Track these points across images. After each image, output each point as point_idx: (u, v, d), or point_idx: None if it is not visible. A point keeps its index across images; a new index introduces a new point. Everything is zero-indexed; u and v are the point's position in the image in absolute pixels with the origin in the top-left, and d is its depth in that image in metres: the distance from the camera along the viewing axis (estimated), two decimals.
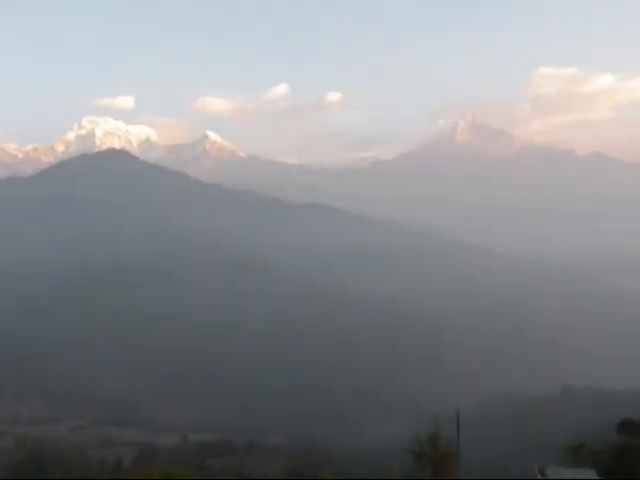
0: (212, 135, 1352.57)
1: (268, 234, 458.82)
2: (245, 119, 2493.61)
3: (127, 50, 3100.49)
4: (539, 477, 52.67)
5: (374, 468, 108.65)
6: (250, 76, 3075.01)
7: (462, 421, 51.00)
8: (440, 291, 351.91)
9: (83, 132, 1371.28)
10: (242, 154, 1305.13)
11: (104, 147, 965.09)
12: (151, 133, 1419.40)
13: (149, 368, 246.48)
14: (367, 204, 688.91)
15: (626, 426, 68.06)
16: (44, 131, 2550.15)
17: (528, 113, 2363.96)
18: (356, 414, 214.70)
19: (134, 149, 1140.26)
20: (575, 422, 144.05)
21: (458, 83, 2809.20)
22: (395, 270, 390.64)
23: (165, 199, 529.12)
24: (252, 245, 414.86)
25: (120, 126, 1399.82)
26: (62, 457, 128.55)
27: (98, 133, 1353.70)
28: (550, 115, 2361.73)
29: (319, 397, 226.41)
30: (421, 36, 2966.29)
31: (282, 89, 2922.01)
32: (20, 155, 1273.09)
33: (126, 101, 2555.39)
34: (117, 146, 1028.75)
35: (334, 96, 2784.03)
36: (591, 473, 53.60)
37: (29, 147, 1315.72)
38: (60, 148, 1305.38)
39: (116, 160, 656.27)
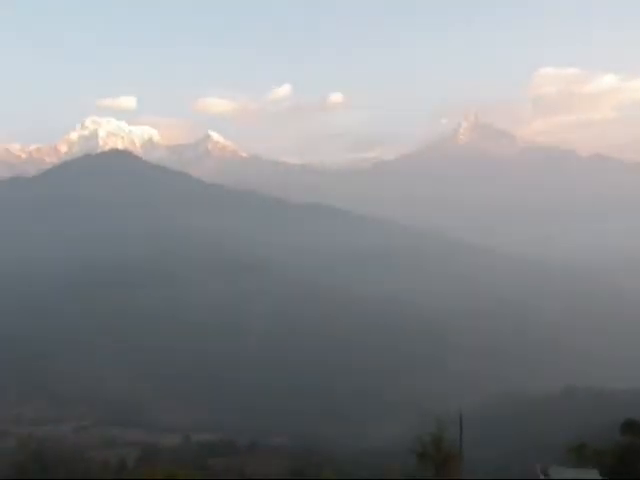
0: (214, 135, 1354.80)
1: (270, 234, 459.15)
2: (247, 119, 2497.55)
3: (130, 50, 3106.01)
4: (542, 477, 52.73)
5: (376, 468, 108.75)
6: (253, 76, 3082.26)
7: (465, 421, 51.06)
8: (442, 291, 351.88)
9: (86, 132, 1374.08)
10: (244, 154, 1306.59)
11: (107, 147, 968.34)
12: (154, 133, 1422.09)
13: (152, 368, 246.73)
14: (369, 204, 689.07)
15: (629, 426, 68.01)
16: (47, 131, 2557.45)
17: (530, 113, 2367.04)
18: (358, 414, 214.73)
19: (137, 149, 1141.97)
20: (577, 422, 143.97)
21: (460, 83, 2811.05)
22: (397, 270, 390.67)
23: (167, 199, 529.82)
24: (254, 245, 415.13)
25: (123, 126, 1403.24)
26: (65, 457, 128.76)
27: (101, 133, 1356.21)
28: (552, 115, 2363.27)
29: (321, 397, 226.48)
30: (423, 36, 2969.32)
31: (284, 89, 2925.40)
32: (23, 155, 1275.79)
33: (128, 101, 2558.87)
34: (120, 146, 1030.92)
35: (336, 97, 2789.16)
36: (594, 473, 53.56)
37: (32, 147, 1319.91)
38: (63, 148, 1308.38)
39: (119, 160, 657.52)
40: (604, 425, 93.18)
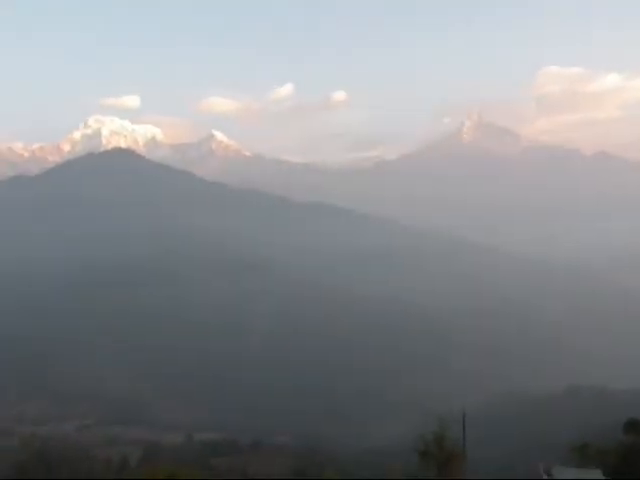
0: (218, 134, 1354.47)
1: (273, 234, 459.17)
2: (250, 119, 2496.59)
3: (133, 50, 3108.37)
4: (545, 477, 52.61)
5: (378, 468, 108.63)
6: (255, 76, 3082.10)
7: (467, 420, 50.96)
8: (445, 291, 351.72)
9: (89, 131, 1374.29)
10: (247, 153, 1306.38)
11: (110, 146, 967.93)
12: (157, 132, 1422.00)
13: (154, 367, 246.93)
14: (372, 204, 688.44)
15: (632, 426, 67.79)
16: (50, 130, 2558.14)
17: (533, 112, 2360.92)
18: (361, 414, 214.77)
19: (140, 148, 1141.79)
20: (580, 421, 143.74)
21: (463, 83, 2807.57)
22: (399, 270, 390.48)
23: (170, 198, 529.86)
24: (257, 245, 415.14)
25: (126, 125, 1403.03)
26: (68, 456, 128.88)
27: (104, 132, 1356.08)
28: (556, 114, 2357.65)
29: (324, 397, 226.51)
30: (425, 36, 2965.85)
31: (287, 89, 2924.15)
32: (26, 154, 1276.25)
33: (132, 100, 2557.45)
34: (123, 145, 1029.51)
35: (339, 96, 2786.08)
36: (597, 473, 53.40)
37: (35, 146, 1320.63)
38: (66, 147, 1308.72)
39: (122, 159, 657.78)
40: (607, 424, 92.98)
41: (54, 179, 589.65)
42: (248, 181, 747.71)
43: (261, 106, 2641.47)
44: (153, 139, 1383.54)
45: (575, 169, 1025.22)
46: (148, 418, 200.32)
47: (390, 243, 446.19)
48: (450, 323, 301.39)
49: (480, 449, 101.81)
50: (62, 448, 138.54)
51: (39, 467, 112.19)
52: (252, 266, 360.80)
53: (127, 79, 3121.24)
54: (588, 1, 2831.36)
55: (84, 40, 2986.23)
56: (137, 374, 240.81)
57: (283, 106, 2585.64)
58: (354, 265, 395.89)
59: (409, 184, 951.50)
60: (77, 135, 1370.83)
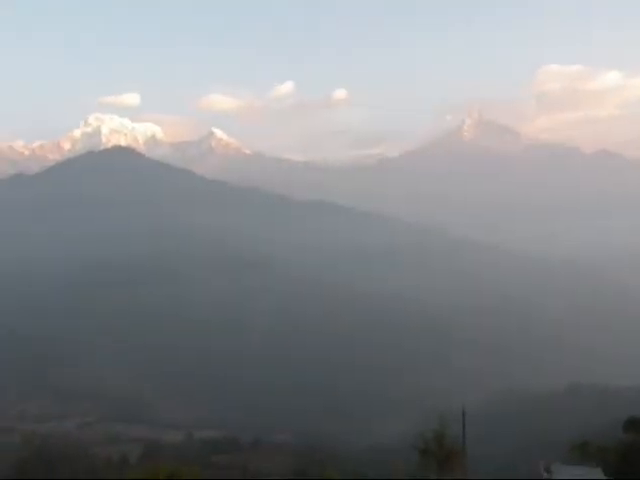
0: (218, 132, 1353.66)
1: (273, 231, 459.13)
2: (251, 116, 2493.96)
3: (134, 48, 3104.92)
4: (545, 474, 52.60)
5: (379, 465, 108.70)
6: (256, 74, 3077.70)
7: (468, 418, 50.95)
8: (446, 288, 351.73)
9: (89, 129, 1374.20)
10: (248, 151, 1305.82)
11: (110, 144, 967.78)
12: (157, 130, 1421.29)
13: (154, 366, 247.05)
14: (373, 201, 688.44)
15: (633, 424, 67.84)
16: (51, 129, 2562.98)
17: (534, 110, 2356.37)
18: (362, 411, 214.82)
19: (140, 146, 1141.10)
20: (580, 419, 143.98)
21: (463, 81, 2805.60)
22: (401, 267, 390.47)
23: (170, 196, 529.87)
24: (257, 242, 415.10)
25: (126, 123, 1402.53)
26: (69, 454, 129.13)
27: (104, 130, 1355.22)
28: (556, 112, 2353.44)
29: (324, 394, 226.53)
30: (426, 34, 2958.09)
31: (288, 87, 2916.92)
32: (27, 152, 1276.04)
33: (132, 98, 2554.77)
34: (123, 143, 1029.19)
35: (340, 93, 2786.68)
36: (598, 472, 53.38)
37: (36, 144, 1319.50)
38: (66, 145, 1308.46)
39: (122, 157, 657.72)
40: (607, 423, 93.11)
41: (54, 177, 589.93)
42: (248, 179, 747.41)
43: (262, 104, 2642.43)
44: (153, 137, 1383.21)
45: (575, 167, 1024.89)
46: (149, 416, 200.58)
47: (391, 241, 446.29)
48: (451, 320, 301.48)
49: (480, 447, 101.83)
50: (63, 446, 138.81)
51: (40, 464, 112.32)
52: (253, 264, 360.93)
53: (127, 77, 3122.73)
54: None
55: (84, 38, 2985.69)
56: (137, 373, 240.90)
57: (284, 104, 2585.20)
58: (355, 263, 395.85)
59: (410, 182, 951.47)
60: (77, 133, 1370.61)
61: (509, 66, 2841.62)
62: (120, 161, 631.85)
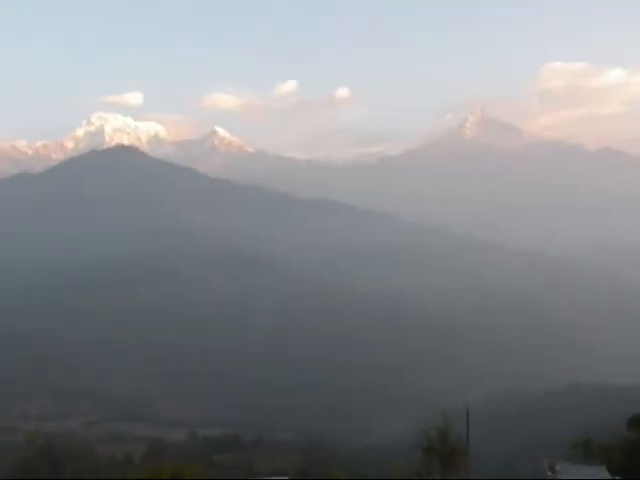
0: (221, 131, 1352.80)
1: (275, 230, 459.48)
2: (254, 115, 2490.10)
3: (136, 47, 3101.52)
4: (549, 473, 52.92)
5: (380, 464, 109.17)
6: (259, 73, 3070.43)
7: (470, 417, 51.33)
8: (447, 287, 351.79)
9: (92, 129, 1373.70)
10: (250, 150, 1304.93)
11: (113, 144, 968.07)
12: (160, 129, 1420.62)
13: (157, 365, 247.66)
14: (375, 200, 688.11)
15: (636, 422, 68.20)
16: (54, 128, 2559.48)
17: (537, 108, 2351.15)
18: (362, 411, 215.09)
19: (143, 145, 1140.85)
20: (582, 418, 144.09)
21: (466, 79, 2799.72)
22: (402, 267, 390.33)
23: (173, 195, 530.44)
24: (259, 241, 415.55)
25: (129, 122, 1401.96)
26: (74, 453, 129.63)
27: (107, 130, 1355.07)
28: (559, 110, 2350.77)
29: (325, 393, 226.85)
30: (427, 33, 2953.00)
31: (290, 85, 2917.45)
32: (30, 152, 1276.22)
33: (135, 98, 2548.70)
34: (126, 142, 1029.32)
35: (342, 92, 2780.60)
36: (602, 470, 53.58)
37: (39, 144, 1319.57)
38: (69, 145, 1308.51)
39: (125, 156, 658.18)
40: (608, 421, 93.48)
41: (57, 177, 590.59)
42: (251, 177, 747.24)
43: (264, 102, 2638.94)
44: (156, 136, 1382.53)
45: (578, 165, 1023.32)
46: (152, 415, 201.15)
47: (393, 239, 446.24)
48: (452, 320, 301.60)
49: (482, 446, 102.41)
50: (68, 445, 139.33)
51: (44, 464, 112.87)
52: (254, 263, 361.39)
53: (130, 76, 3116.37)
54: None
55: (86, 38, 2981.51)
56: (139, 372, 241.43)
57: (286, 102, 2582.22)
58: (357, 262, 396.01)
59: (412, 180, 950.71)
60: (80, 132, 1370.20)
61: (511, 64, 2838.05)
62: (123, 160, 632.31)
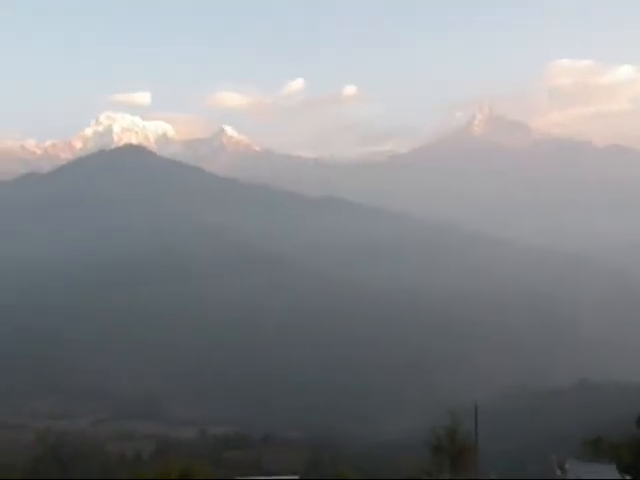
0: (228, 130, 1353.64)
1: (283, 228, 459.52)
2: (261, 113, 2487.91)
3: (143, 47, 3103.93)
4: (558, 471, 52.65)
5: (389, 462, 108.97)
6: (266, 71, 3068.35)
7: (479, 414, 51.12)
8: (457, 285, 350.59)
9: (101, 128, 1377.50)
10: (258, 148, 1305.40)
11: (122, 143, 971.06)
12: (168, 129, 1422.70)
13: (167, 364, 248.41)
14: (383, 198, 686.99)
15: None
16: (62, 128, 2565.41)
17: (545, 105, 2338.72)
18: (373, 409, 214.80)
19: (151, 145, 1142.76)
20: (592, 415, 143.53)
21: (473, 77, 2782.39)
22: (412, 264, 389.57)
23: (181, 194, 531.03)
24: (267, 240, 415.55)
25: (137, 122, 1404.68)
26: (84, 451, 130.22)
27: (116, 129, 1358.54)
28: (567, 107, 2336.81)
29: (335, 391, 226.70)
30: (436, 29, 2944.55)
31: (298, 83, 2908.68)
32: (38, 152, 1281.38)
33: (143, 97, 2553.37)
34: (134, 142, 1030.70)
35: (350, 90, 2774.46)
36: (612, 468, 53.23)
37: (48, 143, 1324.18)
38: (78, 144, 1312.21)
39: (133, 156, 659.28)
40: (619, 418, 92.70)
41: (66, 176, 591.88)
42: (258, 176, 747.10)
43: (272, 101, 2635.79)
44: (164, 135, 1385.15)
45: (587, 161, 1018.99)
46: (162, 414, 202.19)
47: (402, 237, 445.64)
48: (462, 317, 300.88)
49: (491, 443, 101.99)
50: (77, 443, 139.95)
51: (55, 462, 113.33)
52: (262, 261, 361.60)
53: (138, 76, 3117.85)
54: None
55: (94, 38, 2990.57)
56: (151, 370, 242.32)
57: (294, 100, 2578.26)
58: (366, 259, 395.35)
59: (420, 178, 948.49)
60: (89, 132, 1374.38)
61: (520, 62, 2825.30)
62: (132, 159, 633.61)
